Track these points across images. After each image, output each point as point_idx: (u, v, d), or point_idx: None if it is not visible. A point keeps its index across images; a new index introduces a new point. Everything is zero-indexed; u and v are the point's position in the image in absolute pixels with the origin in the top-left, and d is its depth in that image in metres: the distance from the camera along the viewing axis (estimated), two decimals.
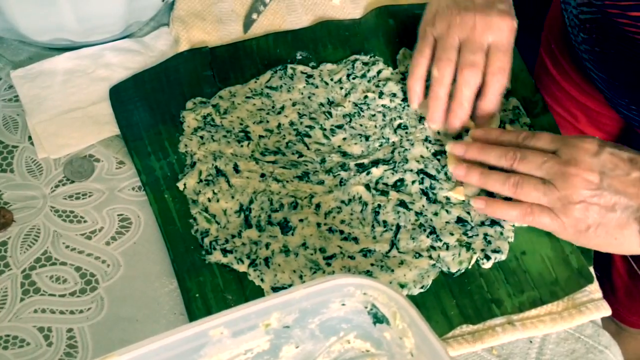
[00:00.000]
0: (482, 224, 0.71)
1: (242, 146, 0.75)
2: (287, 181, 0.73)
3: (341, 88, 0.81)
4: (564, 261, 0.70)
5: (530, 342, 0.67)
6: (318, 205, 0.71)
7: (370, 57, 0.84)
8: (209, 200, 0.71)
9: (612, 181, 0.62)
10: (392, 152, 0.75)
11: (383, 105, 0.79)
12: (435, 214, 0.71)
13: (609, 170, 0.63)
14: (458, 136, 0.76)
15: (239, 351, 0.53)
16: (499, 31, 0.72)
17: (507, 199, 0.69)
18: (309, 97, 0.80)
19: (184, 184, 0.73)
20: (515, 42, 0.74)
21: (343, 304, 0.54)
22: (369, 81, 0.81)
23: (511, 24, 0.73)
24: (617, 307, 0.99)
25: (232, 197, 0.71)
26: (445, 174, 0.74)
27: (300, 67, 0.83)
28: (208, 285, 0.67)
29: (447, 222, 0.71)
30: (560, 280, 0.68)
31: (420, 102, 0.77)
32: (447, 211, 0.71)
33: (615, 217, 0.62)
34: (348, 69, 0.82)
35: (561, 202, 0.63)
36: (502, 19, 0.72)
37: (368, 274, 0.67)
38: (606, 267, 1.05)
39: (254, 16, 0.88)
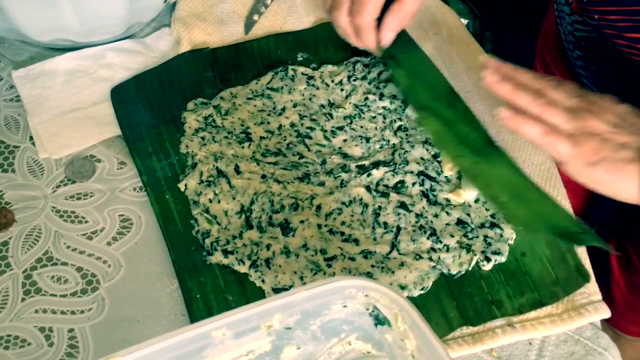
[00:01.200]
0: (482, 225, 0.71)
1: (243, 147, 0.75)
2: (288, 182, 0.73)
3: (342, 90, 0.81)
4: (562, 260, 0.70)
5: (530, 344, 0.67)
6: (319, 207, 0.71)
7: (371, 59, 0.84)
8: (210, 201, 0.71)
9: (631, 124, 0.64)
10: (393, 154, 0.76)
11: (383, 107, 0.80)
12: (436, 215, 0.71)
13: (629, 116, 0.64)
14: None
15: (240, 352, 0.53)
16: None
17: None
18: (309, 99, 0.80)
19: (185, 185, 0.73)
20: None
21: (344, 306, 0.54)
22: (369, 83, 0.82)
23: None
24: (616, 317, 0.99)
25: (233, 198, 0.71)
26: (446, 176, 0.74)
27: (301, 69, 0.83)
28: (209, 286, 0.67)
29: (447, 224, 0.71)
30: (560, 280, 0.69)
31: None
32: (447, 213, 0.71)
33: (625, 155, 0.63)
34: (349, 71, 0.82)
35: (582, 130, 0.64)
36: None
37: (368, 275, 0.67)
38: (605, 279, 1.04)
39: (255, 17, 0.88)
